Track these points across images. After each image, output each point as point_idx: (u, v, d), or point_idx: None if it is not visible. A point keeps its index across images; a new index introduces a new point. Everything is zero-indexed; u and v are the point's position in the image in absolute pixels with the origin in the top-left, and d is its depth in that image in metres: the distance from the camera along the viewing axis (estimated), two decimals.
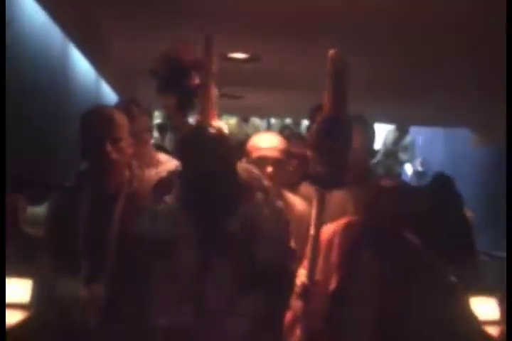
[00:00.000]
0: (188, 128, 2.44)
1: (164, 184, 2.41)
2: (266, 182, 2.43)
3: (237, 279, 2.25)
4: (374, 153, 3.21)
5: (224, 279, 2.24)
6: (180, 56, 2.50)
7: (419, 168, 11.13)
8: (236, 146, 2.49)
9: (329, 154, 2.40)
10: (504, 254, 6.74)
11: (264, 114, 10.72)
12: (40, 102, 4.02)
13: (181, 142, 2.32)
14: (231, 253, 2.25)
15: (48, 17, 3.77)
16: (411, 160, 11.08)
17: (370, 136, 3.05)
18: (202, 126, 2.39)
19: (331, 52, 2.43)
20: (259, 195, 2.36)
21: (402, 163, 10.86)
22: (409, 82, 5.80)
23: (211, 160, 2.24)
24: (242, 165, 2.44)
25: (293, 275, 2.35)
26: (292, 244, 2.43)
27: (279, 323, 2.34)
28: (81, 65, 5.29)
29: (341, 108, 2.44)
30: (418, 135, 11.21)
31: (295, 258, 2.40)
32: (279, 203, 2.44)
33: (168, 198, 2.34)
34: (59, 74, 4.45)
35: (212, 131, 2.31)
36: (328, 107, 2.43)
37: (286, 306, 2.35)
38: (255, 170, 2.46)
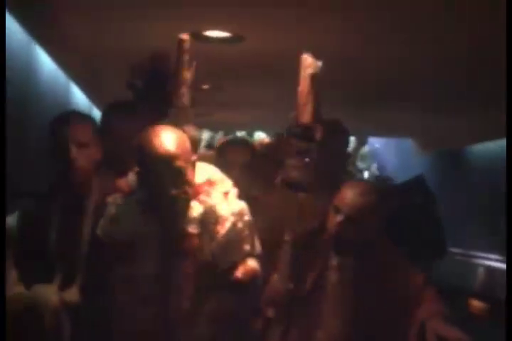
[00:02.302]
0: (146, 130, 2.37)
1: (125, 185, 2.37)
2: (228, 182, 2.37)
3: (199, 278, 2.22)
4: (349, 156, 3.23)
5: (186, 279, 2.21)
6: (155, 66, 2.54)
7: (376, 173, 11.97)
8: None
9: (300, 159, 2.42)
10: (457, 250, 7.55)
11: (229, 129, 11.59)
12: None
13: (137, 144, 2.25)
14: (191, 252, 2.22)
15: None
16: (368, 168, 11.92)
17: (346, 140, 3.09)
18: (159, 127, 2.30)
19: (304, 57, 2.46)
20: (219, 194, 2.30)
21: (360, 171, 11.65)
22: (363, 96, 6.19)
23: (166, 160, 2.17)
24: (203, 165, 2.37)
25: (257, 275, 2.32)
26: (257, 245, 2.38)
27: (244, 323, 2.33)
28: (49, 67, 5.03)
29: (314, 113, 2.44)
30: (376, 143, 12.13)
31: (260, 258, 2.36)
32: (241, 202, 2.36)
33: (130, 199, 2.30)
34: (25, 75, 4.27)
35: (169, 131, 2.23)
36: (301, 113, 2.45)
37: (251, 306, 2.35)
38: (216, 170, 2.40)
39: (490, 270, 6.86)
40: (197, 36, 3.89)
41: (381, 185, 3.08)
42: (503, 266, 6.45)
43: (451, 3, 3.07)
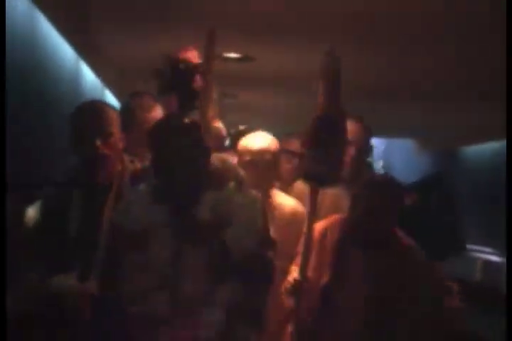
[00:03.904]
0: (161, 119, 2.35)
1: (140, 175, 2.38)
2: (241, 172, 2.36)
3: (211, 267, 2.18)
4: (370, 150, 3.20)
5: (198, 268, 2.18)
6: (185, 58, 2.47)
7: (382, 170, 12.47)
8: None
9: (324, 152, 2.37)
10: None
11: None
12: (44, 107, 4.00)
13: (151, 132, 2.24)
14: (204, 240, 2.19)
15: (43, 17, 3.74)
16: (371, 165, 12.49)
17: (368, 134, 3.05)
18: (171, 116, 2.25)
19: (325, 52, 2.45)
20: (232, 184, 2.28)
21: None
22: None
23: (179, 149, 2.16)
24: (218, 155, 2.33)
25: (271, 265, 2.27)
26: (273, 234, 2.36)
27: (258, 314, 2.26)
28: (88, 74, 5.53)
29: (335, 106, 2.42)
30: (378, 142, 12.68)
31: (275, 248, 2.33)
32: (254, 192, 2.32)
33: (141, 188, 2.29)
34: (67, 81, 4.62)
35: (182, 120, 2.23)
36: (322, 106, 2.41)
37: (264, 297, 2.28)
38: (230, 160, 2.38)
39: (487, 263, 7.43)
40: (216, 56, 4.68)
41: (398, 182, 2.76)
42: (496, 258, 7.08)
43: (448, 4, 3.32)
